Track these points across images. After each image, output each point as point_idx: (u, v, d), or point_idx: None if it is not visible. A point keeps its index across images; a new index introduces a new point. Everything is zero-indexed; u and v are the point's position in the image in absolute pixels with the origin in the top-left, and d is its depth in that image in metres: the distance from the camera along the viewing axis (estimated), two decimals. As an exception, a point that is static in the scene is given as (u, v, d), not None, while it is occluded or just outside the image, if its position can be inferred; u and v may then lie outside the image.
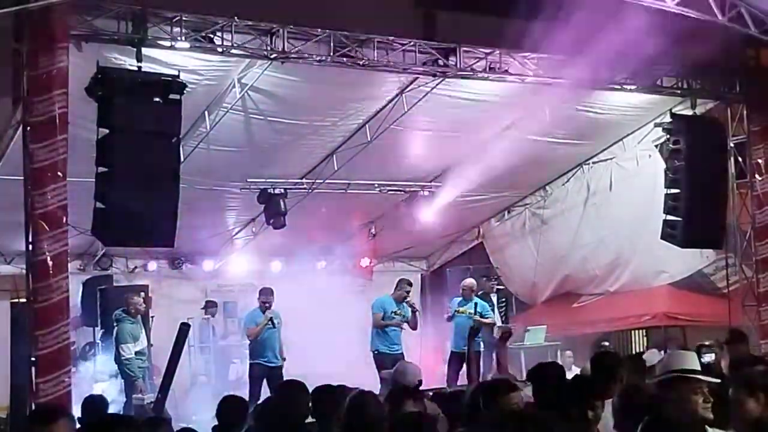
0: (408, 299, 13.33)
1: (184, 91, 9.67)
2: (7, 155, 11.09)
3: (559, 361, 14.26)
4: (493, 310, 14.46)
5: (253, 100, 11.75)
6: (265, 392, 11.99)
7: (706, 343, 10.69)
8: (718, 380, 4.98)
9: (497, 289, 15.26)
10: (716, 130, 13.57)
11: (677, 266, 15.59)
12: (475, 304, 13.67)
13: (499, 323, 14.59)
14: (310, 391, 6.33)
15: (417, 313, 13.49)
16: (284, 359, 12.89)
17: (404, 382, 7.11)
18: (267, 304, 12.87)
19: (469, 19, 11.86)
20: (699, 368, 4.89)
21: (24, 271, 9.37)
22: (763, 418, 4.92)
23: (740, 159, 13.84)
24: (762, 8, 11.75)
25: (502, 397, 5.23)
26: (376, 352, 13.04)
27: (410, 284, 13.57)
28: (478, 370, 13.51)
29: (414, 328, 13.54)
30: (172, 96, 9.57)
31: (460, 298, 13.87)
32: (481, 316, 13.67)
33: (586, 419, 4.97)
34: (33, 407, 8.69)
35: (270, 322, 12.72)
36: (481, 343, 13.90)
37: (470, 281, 14.17)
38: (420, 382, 7.19)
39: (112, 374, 12.46)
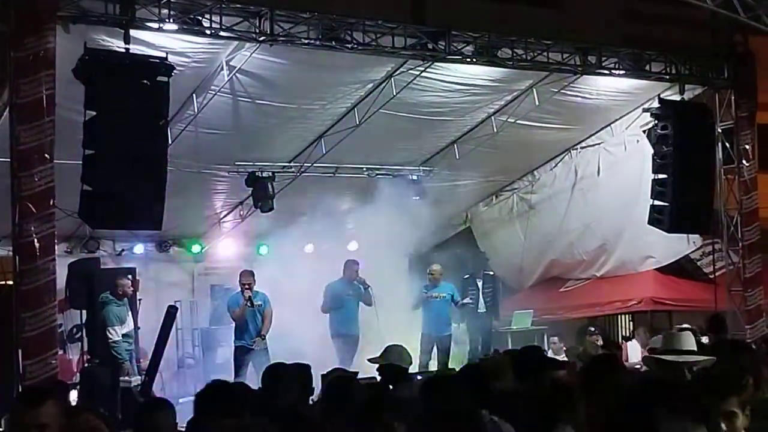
0: (358, 277, 13.60)
1: (172, 74, 9.61)
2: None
3: (545, 347, 14.39)
4: (477, 295, 14.55)
5: (242, 83, 11.69)
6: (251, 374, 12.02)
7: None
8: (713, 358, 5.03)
9: (484, 274, 15.30)
10: (704, 115, 13.60)
11: (664, 251, 15.64)
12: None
13: (483, 308, 14.65)
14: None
15: (369, 289, 13.69)
16: (263, 337, 12.92)
17: (398, 364, 7.22)
18: (247, 286, 12.99)
19: (458, 2, 11.82)
20: (695, 348, 4.94)
21: (11, 254, 9.33)
22: (756, 400, 4.97)
23: (728, 144, 13.88)
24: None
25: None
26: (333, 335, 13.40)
27: (357, 263, 13.85)
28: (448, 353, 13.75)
29: (368, 304, 13.71)
30: (159, 78, 9.51)
31: (427, 284, 14.05)
32: (452, 299, 13.89)
33: None
34: (20, 389, 8.68)
35: (249, 302, 12.87)
36: (461, 326, 14.15)
37: (437, 266, 14.29)
38: (410, 365, 7.29)
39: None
